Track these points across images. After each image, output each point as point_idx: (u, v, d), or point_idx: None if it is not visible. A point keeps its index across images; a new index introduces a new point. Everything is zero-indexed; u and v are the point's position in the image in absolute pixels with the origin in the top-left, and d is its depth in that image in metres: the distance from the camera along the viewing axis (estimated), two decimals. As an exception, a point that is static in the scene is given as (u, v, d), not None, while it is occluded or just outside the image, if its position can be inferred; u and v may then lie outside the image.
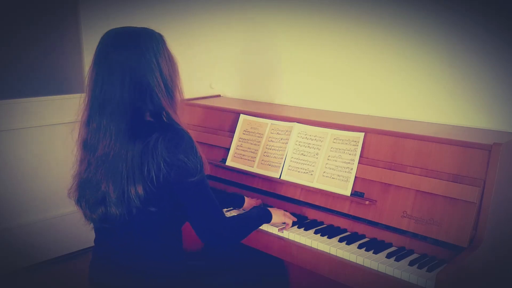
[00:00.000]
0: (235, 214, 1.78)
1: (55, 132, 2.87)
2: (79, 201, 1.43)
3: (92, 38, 2.94)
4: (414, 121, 1.97)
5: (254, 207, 1.78)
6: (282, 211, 1.73)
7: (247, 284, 1.58)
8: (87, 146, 1.37)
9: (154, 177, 1.30)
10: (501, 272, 1.63)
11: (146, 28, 1.39)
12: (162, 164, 1.29)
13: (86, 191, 1.38)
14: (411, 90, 1.98)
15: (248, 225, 1.56)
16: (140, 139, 1.31)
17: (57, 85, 2.95)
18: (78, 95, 2.95)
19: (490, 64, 1.77)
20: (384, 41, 2.03)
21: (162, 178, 1.31)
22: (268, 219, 1.66)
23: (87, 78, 1.39)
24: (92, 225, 1.50)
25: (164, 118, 1.38)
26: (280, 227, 1.69)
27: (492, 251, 1.49)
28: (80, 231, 2.99)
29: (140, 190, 1.29)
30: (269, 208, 1.71)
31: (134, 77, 1.31)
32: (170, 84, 1.37)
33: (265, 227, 1.70)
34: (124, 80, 1.31)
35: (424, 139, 1.61)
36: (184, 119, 1.40)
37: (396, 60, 2.01)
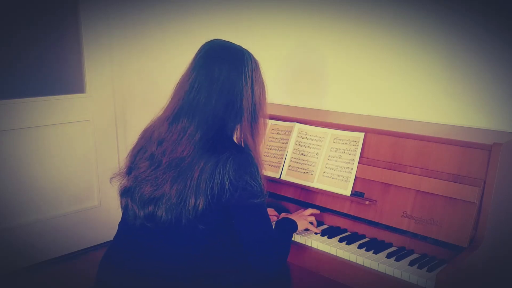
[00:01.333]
0: None
1: (55, 132, 2.87)
2: (129, 191, 1.41)
3: (92, 38, 2.95)
4: (414, 121, 1.97)
5: (280, 220, 1.78)
6: (303, 218, 1.70)
7: (248, 284, 1.58)
8: (162, 144, 1.37)
9: (216, 194, 1.30)
10: (501, 272, 1.63)
11: (247, 50, 1.45)
12: (227, 184, 1.30)
13: (146, 187, 1.36)
14: (411, 90, 1.98)
15: (289, 243, 1.55)
16: (215, 154, 1.32)
17: (57, 85, 2.95)
18: (78, 95, 2.96)
19: (490, 64, 1.77)
20: (384, 41, 2.03)
21: (224, 199, 1.31)
22: (295, 230, 1.64)
23: (181, 79, 1.41)
24: (126, 215, 1.47)
25: (237, 140, 1.40)
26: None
27: (492, 251, 1.49)
28: (80, 231, 2.99)
29: (201, 204, 1.30)
30: (290, 216, 1.68)
31: (229, 95, 1.36)
32: (258, 109, 1.43)
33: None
34: (221, 94, 1.35)
35: (424, 139, 1.61)
36: (259, 149, 1.43)
37: (396, 60, 2.01)
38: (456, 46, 1.84)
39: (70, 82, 2.99)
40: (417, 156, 1.61)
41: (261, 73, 1.46)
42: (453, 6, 1.82)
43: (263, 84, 1.45)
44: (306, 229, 1.70)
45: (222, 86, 1.35)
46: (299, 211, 1.78)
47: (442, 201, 1.52)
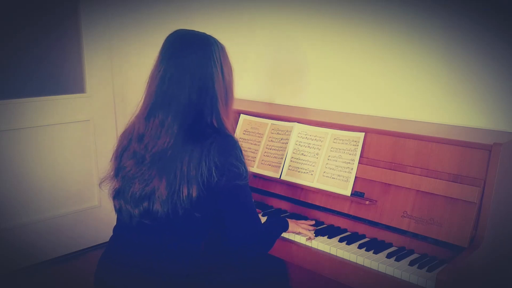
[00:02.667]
0: None
1: (55, 132, 2.87)
2: (120, 193, 1.42)
3: (92, 38, 2.95)
4: (414, 121, 1.97)
5: (273, 218, 1.77)
6: (296, 224, 1.70)
7: (248, 283, 1.59)
8: (142, 140, 1.38)
9: (206, 180, 1.31)
10: (501, 272, 1.63)
11: (212, 36, 1.45)
12: (213, 168, 1.31)
13: (135, 184, 1.37)
14: (411, 90, 1.98)
15: (275, 235, 1.57)
16: (198, 142, 1.33)
17: (57, 85, 2.95)
18: (78, 95, 2.96)
19: (490, 64, 1.77)
20: (384, 41, 2.03)
21: (213, 184, 1.32)
22: (285, 228, 1.65)
23: (151, 74, 1.42)
24: (121, 216, 1.48)
25: (215, 124, 1.40)
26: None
27: (492, 251, 1.49)
28: (80, 231, 2.99)
29: (194, 192, 1.31)
30: (287, 219, 1.70)
31: (201, 80, 1.36)
32: (228, 91, 1.43)
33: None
34: (193, 82, 1.35)
35: (424, 139, 1.61)
36: (232, 128, 1.44)
37: (396, 60, 2.01)
38: (456, 46, 1.84)
39: (70, 82, 2.99)
40: (417, 156, 1.61)
41: (228, 56, 1.45)
42: (453, 6, 1.82)
43: (230, 67, 1.46)
44: (299, 233, 1.69)
45: (192, 73, 1.36)
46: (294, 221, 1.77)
47: (442, 201, 1.52)
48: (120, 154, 1.45)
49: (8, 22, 2.73)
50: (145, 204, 1.35)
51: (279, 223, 1.63)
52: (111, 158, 1.48)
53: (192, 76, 1.35)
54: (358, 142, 1.75)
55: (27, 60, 2.83)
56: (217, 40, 1.44)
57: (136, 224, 1.40)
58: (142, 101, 1.42)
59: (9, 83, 2.77)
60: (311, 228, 1.71)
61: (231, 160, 1.33)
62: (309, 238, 1.64)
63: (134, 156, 1.39)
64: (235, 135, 2.05)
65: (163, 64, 1.38)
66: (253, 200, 1.44)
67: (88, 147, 3.00)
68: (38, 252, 2.85)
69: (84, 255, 2.98)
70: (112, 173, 1.46)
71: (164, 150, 1.34)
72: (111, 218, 1.56)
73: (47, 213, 2.89)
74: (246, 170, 1.38)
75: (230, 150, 1.35)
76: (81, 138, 2.99)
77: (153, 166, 1.35)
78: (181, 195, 1.31)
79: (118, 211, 1.46)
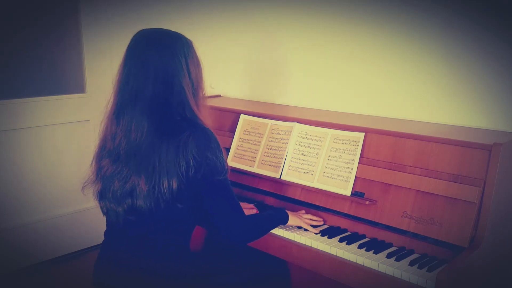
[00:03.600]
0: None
1: (55, 132, 2.87)
2: (102, 194, 1.44)
3: (92, 38, 2.95)
4: (414, 121, 1.97)
5: (272, 208, 1.79)
6: (299, 217, 1.72)
7: (249, 284, 1.58)
8: (115, 138, 1.39)
9: (184, 173, 1.33)
10: (501, 272, 1.63)
11: (178, 32, 1.46)
12: (191, 161, 1.33)
13: (114, 183, 1.39)
14: (411, 90, 1.98)
15: (265, 224, 1.60)
16: (173, 135, 1.35)
17: (57, 85, 2.95)
18: (78, 95, 2.96)
19: (490, 64, 1.77)
20: (384, 41, 2.03)
21: (191, 175, 1.34)
22: (284, 221, 1.67)
23: (117, 74, 1.43)
24: (108, 218, 1.50)
25: (188, 115, 1.41)
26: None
27: (492, 251, 1.49)
28: (80, 231, 2.99)
29: (174, 184, 1.33)
30: (288, 211, 1.71)
31: (166, 75, 1.37)
32: (196, 85, 1.44)
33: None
34: (157, 77, 1.37)
35: (424, 139, 1.61)
36: (208, 121, 1.45)
37: (396, 60, 2.01)
38: (456, 46, 1.84)
39: (70, 82, 2.99)
40: (417, 156, 1.61)
41: (195, 50, 1.47)
42: (453, 5, 1.82)
43: (197, 60, 1.47)
44: (300, 227, 1.71)
45: (156, 70, 1.37)
46: (300, 212, 1.79)
47: (442, 201, 1.52)
48: (97, 156, 1.48)
49: (8, 22, 2.72)
50: (128, 201, 1.37)
51: (275, 216, 1.65)
52: (91, 162, 1.50)
53: (156, 72, 1.37)
54: (358, 142, 1.75)
55: (27, 60, 2.83)
56: (183, 36, 1.46)
57: (123, 222, 1.42)
58: (111, 101, 1.44)
59: (9, 83, 2.77)
60: (314, 223, 1.73)
61: (207, 154, 1.35)
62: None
63: (110, 155, 1.42)
64: (235, 135, 2.06)
65: (128, 63, 1.40)
66: (233, 192, 1.46)
67: (88, 147, 3.00)
68: (38, 252, 2.85)
69: (84, 255, 2.98)
70: (93, 175, 1.48)
71: (138, 145, 1.36)
72: (111, 218, 1.57)
73: (47, 213, 2.89)
74: (223, 164, 1.39)
75: (207, 143, 1.36)
76: (81, 138, 2.99)
77: (129, 162, 1.37)
78: (162, 188, 1.33)
79: (106, 213, 1.48)
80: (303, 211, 1.79)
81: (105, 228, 1.54)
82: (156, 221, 1.40)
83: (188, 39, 1.47)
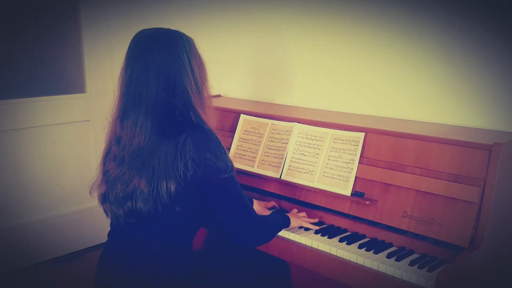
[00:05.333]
0: None
1: (55, 132, 2.87)
2: (106, 196, 1.44)
3: (92, 38, 2.95)
4: (414, 121, 1.97)
5: (274, 212, 1.79)
6: (298, 217, 1.72)
7: (249, 284, 1.58)
8: (120, 142, 1.39)
9: (182, 175, 1.32)
10: (501, 272, 1.63)
11: (178, 31, 1.45)
12: (190, 163, 1.32)
13: (117, 186, 1.39)
14: (411, 90, 1.98)
15: (274, 227, 1.59)
16: (173, 137, 1.34)
17: (57, 85, 2.95)
18: (78, 95, 2.96)
19: (490, 64, 1.77)
20: (384, 41, 2.03)
21: (189, 177, 1.33)
22: (286, 224, 1.66)
23: (119, 76, 1.43)
24: (111, 220, 1.51)
25: (193, 118, 1.41)
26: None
27: (492, 251, 1.49)
28: (80, 231, 2.99)
29: (172, 187, 1.32)
30: (287, 214, 1.71)
31: (168, 75, 1.36)
32: (200, 84, 1.43)
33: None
34: (159, 78, 1.36)
35: (424, 139, 1.61)
36: (213, 122, 1.45)
37: (396, 60, 2.01)
38: (457, 46, 1.84)
39: (70, 82, 2.99)
40: (417, 156, 1.61)
41: (197, 48, 1.45)
42: (453, 5, 1.82)
43: (200, 58, 1.45)
44: (301, 227, 1.71)
45: (158, 70, 1.36)
46: (294, 211, 1.80)
47: (442, 201, 1.52)
48: (104, 159, 1.48)
49: (8, 22, 2.73)
50: (129, 204, 1.38)
51: (280, 218, 1.64)
52: (99, 164, 1.51)
53: (158, 73, 1.36)
54: (358, 142, 1.75)
55: (27, 60, 2.83)
56: (184, 34, 1.44)
57: (124, 224, 1.42)
58: (115, 104, 1.43)
59: (9, 83, 2.77)
60: (311, 221, 1.74)
61: (205, 155, 1.34)
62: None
63: (115, 159, 1.41)
64: (235, 135, 2.06)
65: (129, 64, 1.40)
66: (242, 192, 1.43)
67: (88, 147, 3.00)
68: (38, 252, 2.85)
69: (84, 255, 2.98)
70: (100, 178, 1.48)
71: (141, 148, 1.36)
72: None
73: (47, 213, 2.89)
74: (226, 163, 1.37)
75: (205, 144, 1.35)
76: (81, 138, 2.99)
77: (132, 165, 1.37)
78: (161, 191, 1.33)
79: (108, 212, 1.48)
80: (296, 210, 1.80)
81: (106, 228, 1.55)
82: (156, 224, 1.40)
83: (189, 37, 1.46)
